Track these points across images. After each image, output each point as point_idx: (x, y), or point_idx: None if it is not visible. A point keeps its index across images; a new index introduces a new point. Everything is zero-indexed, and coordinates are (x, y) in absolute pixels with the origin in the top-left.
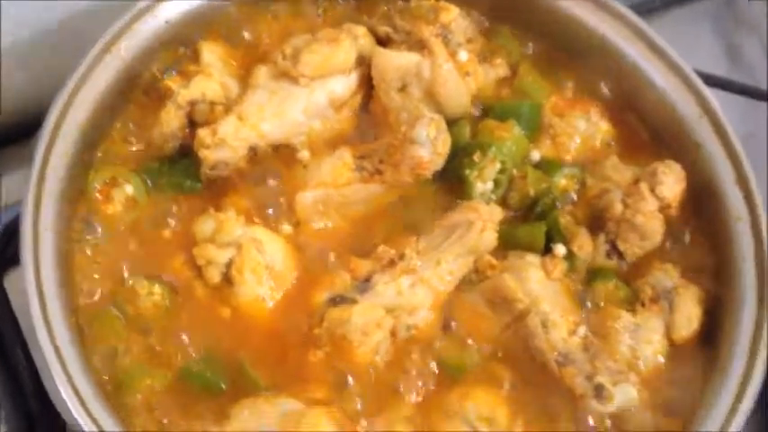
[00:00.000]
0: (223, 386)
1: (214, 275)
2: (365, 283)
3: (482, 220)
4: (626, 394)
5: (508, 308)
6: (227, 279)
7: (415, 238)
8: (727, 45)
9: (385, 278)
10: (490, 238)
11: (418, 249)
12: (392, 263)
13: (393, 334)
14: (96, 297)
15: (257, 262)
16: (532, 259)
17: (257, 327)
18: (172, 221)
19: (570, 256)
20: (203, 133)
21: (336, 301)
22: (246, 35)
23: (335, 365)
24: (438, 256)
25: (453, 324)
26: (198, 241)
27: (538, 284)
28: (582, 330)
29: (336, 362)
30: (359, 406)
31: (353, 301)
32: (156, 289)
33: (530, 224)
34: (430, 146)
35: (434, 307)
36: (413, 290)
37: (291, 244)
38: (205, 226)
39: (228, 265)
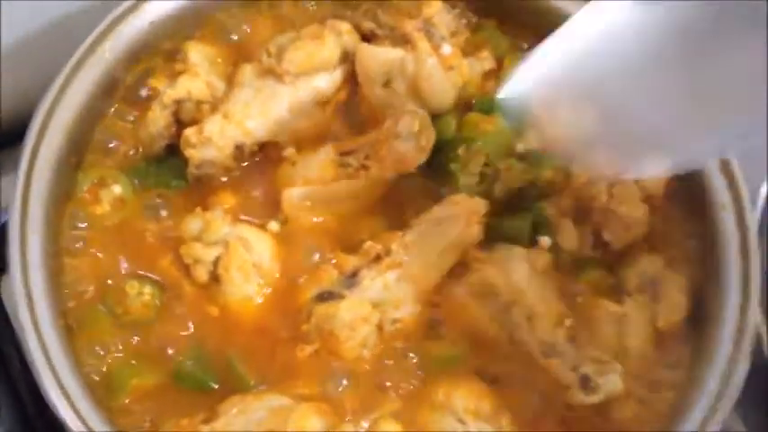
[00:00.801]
0: (214, 385)
1: (202, 274)
2: (352, 278)
3: (467, 214)
4: (611, 384)
5: (494, 300)
6: (215, 278)
7: (401, 233)
8: None
9: (372, 273)
10: (475, 232)
11: (404, 244)
12: (378, 258)
13: (380, 328)
14: (85, 298)
15: (244, 260)
16: (518, 252)
17: (245, 324)
18: (160, 221)
19: (555, 247)
20: (189, 132)
21: (324, 296)
22: (232, 35)
23: (323, 361)
24: (423, 249)
25: (440, 317)
26: (185, 240)
27: (523, 277)
28: (568, 321)
29: (324, 357)
30: (347, 402)
31: (341, 297)
32: (147, 289)
33: (515, 216)
34: (414, 140)
35: (420, 300)
36: (399, 284)
37: (279, 241)
38: (192, 225)
39: (216, 263)
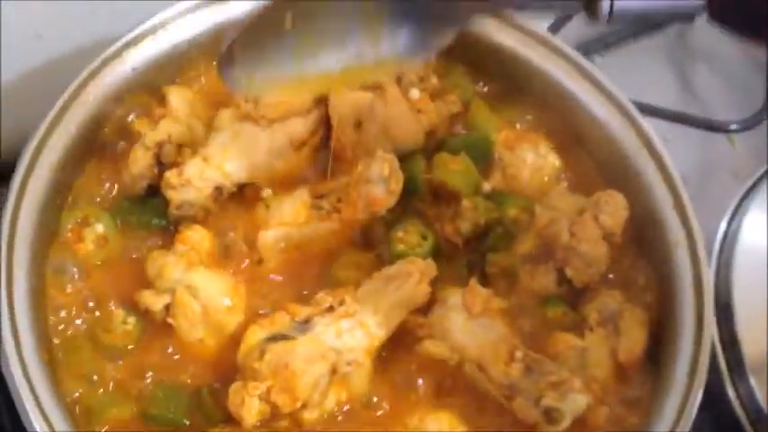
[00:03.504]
0: (185, 421)
1: (158, 319)
2: (304, 324)
3: (419, 274)
4: (573, 404)
5: (445, 364)
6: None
7: (353, 287)
8: (682, 78)
9: (325, 320)
10: (424, 291)
11: (357, 297)
12: (331, 309)
13: (334, 371)
14: (69, 329)
15: (190, 309)
16: (454, 301)
17: (212, 362)
18: (141, 259)
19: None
20: (170, 174)
21: (277, 338)
22: (212, 81)
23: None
24: (376, 303)
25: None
26: (149, 281)
27: (462, 333)
28: (519, 353)
29: (275, 396)
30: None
31: (293, 339)
32: (130, 319)
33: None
34: (384, 184)
35: (370, 353)
36: (352, 333)
37: (248, 283)
38: (151, 270)
39: (167, 309)
